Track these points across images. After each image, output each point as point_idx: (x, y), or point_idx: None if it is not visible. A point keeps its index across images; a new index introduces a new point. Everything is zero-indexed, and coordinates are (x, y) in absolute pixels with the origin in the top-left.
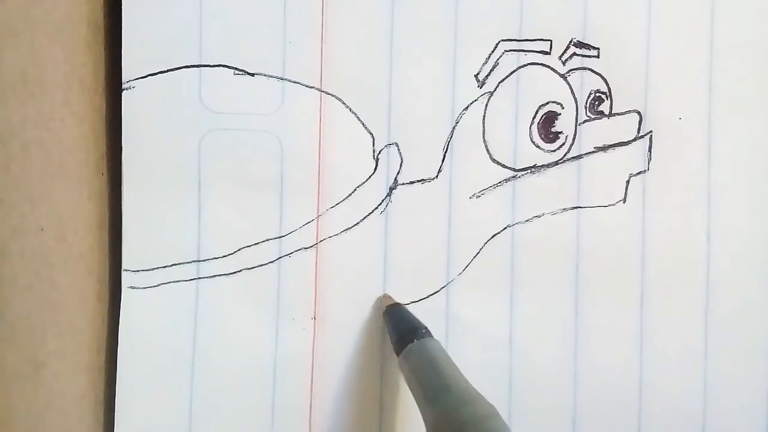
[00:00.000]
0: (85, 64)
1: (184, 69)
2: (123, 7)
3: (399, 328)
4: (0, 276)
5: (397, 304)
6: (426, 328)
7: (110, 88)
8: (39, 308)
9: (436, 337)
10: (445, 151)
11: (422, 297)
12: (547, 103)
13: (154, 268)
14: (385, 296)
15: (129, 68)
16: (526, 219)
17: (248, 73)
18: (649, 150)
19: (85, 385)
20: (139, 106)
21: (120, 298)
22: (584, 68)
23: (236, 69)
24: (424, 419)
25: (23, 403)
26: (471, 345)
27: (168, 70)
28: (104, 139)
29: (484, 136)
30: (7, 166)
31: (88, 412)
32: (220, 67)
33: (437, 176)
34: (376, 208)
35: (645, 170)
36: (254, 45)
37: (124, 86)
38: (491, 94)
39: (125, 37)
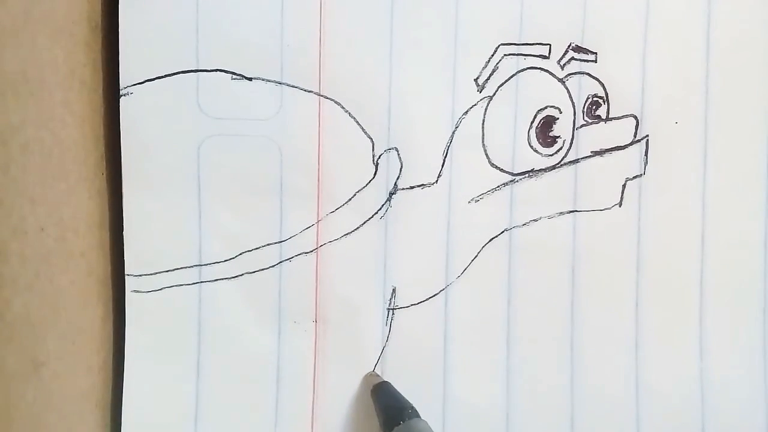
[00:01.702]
0: (85, 64)
1: (181, 74)
2: (120, 13)
3: (386, 408)
4: (0, 276)
5: (384, 383)
6: (413, 407)
7: (110, 88)
8: (39, 308)
9: (435, 338)
10: (445, 156)
11: (421, 300)
12: (546, 107)
13: (156, 273)
14: (372, 374)
15: (126, 74)
16: (524, 223)
17: (246, 78)
18: (645, 154)
19: (85, 385)
20: (137, 111)
21: (121, 298)
22: (582, 73)
23: (234, 73)
24: None
25: (23, 403)
26: (468, 347)
27: (165, 76)
28: (104, 139)
29: (483, 141)
30: (7, 166)
31: (88, 412)
32: (218, 72)
33: (437, 181)
34: (376, 212)
35: (641, 174)
36: (252, 49)
37: (122, 92)
38: (490, 98)
39: (122, 44)
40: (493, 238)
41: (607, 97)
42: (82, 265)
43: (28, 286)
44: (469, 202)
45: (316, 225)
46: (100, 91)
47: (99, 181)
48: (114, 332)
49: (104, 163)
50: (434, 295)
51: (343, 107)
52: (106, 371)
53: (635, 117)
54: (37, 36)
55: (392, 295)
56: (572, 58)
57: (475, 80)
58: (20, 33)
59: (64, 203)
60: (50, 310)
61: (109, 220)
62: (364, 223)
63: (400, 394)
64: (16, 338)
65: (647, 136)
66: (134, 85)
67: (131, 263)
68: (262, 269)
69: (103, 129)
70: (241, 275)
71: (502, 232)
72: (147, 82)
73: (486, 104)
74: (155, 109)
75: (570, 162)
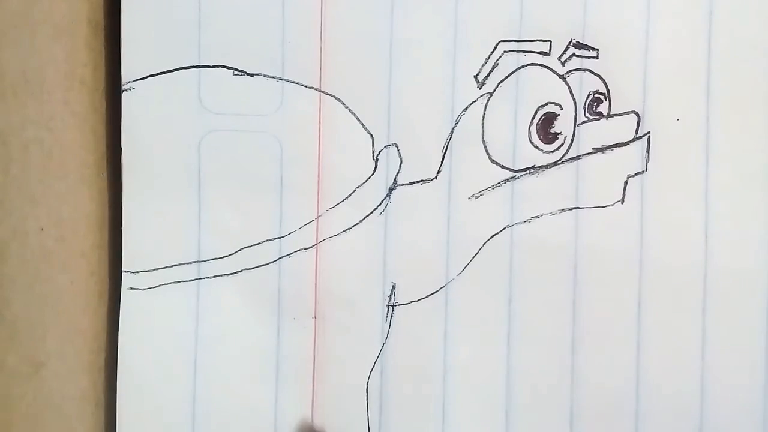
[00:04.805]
0: (85, 64)
1: (183, 70)
2: (122, 8)
3: None
4: (0, 276)
5: None
6: None
7: (110, 88)
8: (39, 308)
9: (435, 335)
10: (445, 152)
11: (421, 297)
12: (546, 104)
13: (154, 269)
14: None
15: (128, 69)
16: (525, 220)
17: (247, 74)
18: (647, 151)
19: (85, 385)
20: (138, 107)
21: (120, 299)
22: (583, 69)
23: (235, 69)
24: None
25: (23, 403)
26: (469, 345)
27: (167, 71)
28: (104, 139)
29: (483, 137)
30: (7, 166)
31: (88, 412)
32: (219, 68)
33: (436, 177)
34: (376, 208)
35: (643, 171)
36: (253, 45)
37: (123, 87)
38: (490, 94)
39: (124, 39)
40: (494, 235)
41: (608, 93)
42: (82, 265)
43: (28, 286)
44: (469, 198)
45: (315, 221)
46: (101, 90)
47: (99, 181)
48: (114, 332)
49: (104, 163)
50: (435, 292)
51: (343, 103)
52: (106, 371)
53: (637, 114)
54: (37, 36)
55: (392, 291)
56: (573, 55)
57: (475, 77)
58: (20, 33)
59: (64, 203)
60: (50, 310)
61: (109, 220)
62: (364, 218)
63: None
64: (16, 338)
65: (649, 132)
66: (136, 80)
67: (129, 260)
68: (261, 265)
69: (104, 129)
70: (240, 271)
71: (503, 228)
72: (149, 78)
73: (486, 100)
74: (157, 104)
75: (571, 158)
